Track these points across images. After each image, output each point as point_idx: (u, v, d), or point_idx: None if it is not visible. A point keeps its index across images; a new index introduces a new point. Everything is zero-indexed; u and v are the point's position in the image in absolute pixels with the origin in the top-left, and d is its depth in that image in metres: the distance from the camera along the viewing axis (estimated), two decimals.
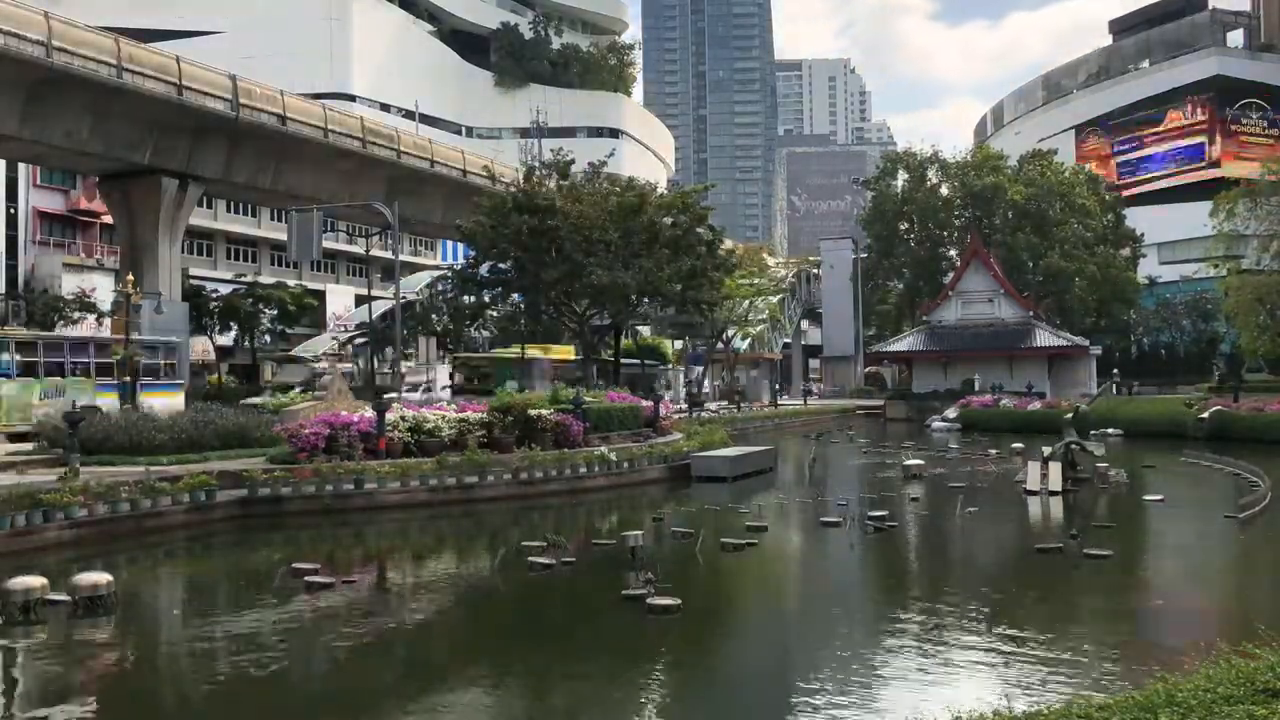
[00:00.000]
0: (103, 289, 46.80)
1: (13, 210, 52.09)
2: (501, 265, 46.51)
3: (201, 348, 53.95)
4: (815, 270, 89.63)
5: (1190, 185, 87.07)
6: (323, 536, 17.69)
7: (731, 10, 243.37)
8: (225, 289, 55.77)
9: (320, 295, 65.75)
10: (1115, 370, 44.20)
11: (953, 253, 72.59)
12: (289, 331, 58.54)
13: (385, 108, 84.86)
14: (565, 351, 52.77)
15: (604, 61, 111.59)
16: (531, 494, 21.35)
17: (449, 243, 75.34)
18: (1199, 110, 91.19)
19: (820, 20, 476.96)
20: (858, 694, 8.67)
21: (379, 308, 59.49)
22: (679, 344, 72.04)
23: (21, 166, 50.71)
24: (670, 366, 69.96)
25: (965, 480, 24.03)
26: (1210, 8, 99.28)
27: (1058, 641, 10.09)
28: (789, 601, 13.27)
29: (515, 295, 51.86)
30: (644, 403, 30.05)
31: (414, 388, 48.27)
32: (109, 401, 27.79)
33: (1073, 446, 22.46)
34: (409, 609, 12.93)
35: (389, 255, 55.39)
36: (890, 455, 32.61)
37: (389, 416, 21.78)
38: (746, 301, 63.76)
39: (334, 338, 63.05)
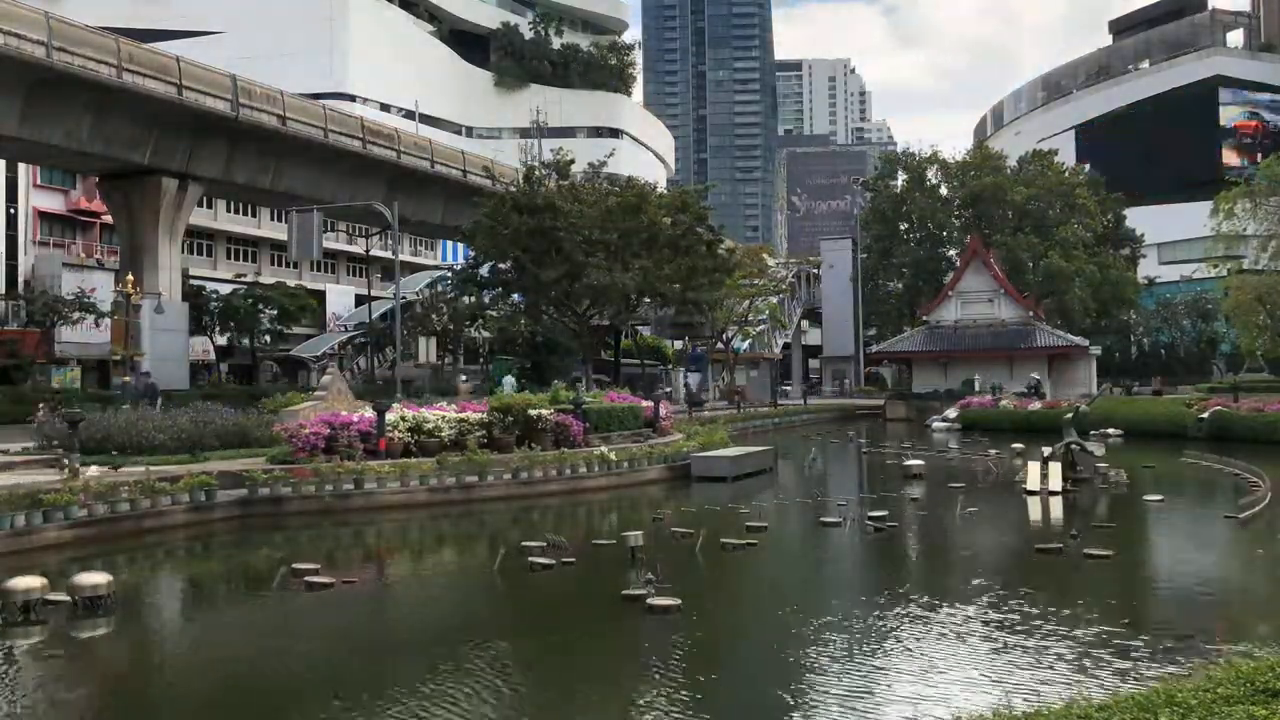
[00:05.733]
0: (103, 289, 46.71)
1: (13, 210, 52.03)
2: (501, 265, 46.55)
3: (201, 348, 53.96)
4: (815, 270, 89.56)
5: (1190, 185, 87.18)
6: (323, 536, 17.67)
7: (731, 10, 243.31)
8: (225, 289, 55.75)
9: (320, 295, 65.74)
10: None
11: (953, 253, 72.52)
12: (289, 331, 58.53)
13: (385, 108, 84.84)
14: None
15: (604, 61, 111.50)
16: (531, 494, 21.35)
17: (449, 243, 75.31)
18: None
19: None
20: (858, 694, 8.67)
21: (379, 308, 59.52)
22: (679, 344, 72.00)
23: (21, 166, 50.66)
24: (670, 367, 69.94)
25: (965, 480, 24.03)
26: (1210, 8, 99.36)
27: (1058, 642, 10.09)
28: (789, 602, 13.25)
29: (515, 295, 51.92)
30: (644, 403, 30.06)
31: None
32: None
33: (1073, 446, 22.46)
34: (409, 609, 12.93)
35: (389, 255, 55.42)
36: (890, 455, 32.60)
37: (389, 416, 21.79)
38: (746, 302, 63.72)
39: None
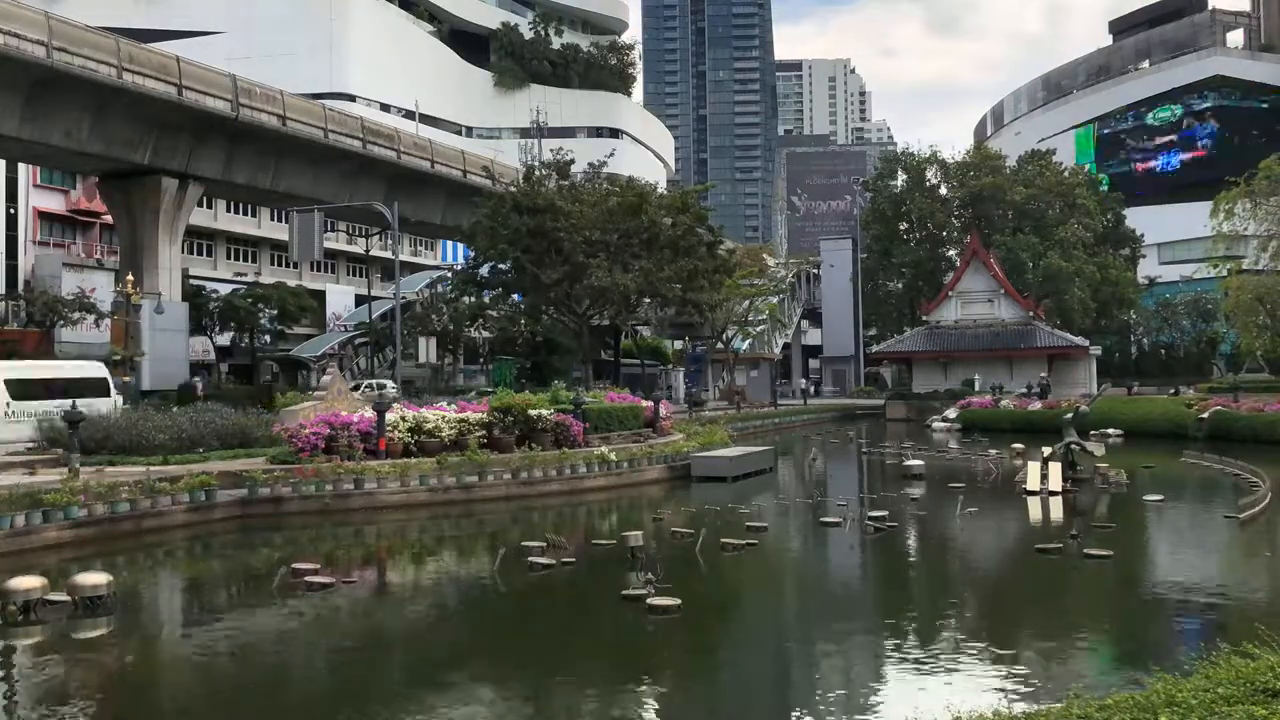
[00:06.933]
0: (103, 289, 46.76)
1: (13, 210, 52.01)
2: (501, 266, 46.54)
3: (201, 348, 53.95)
4: (815, 270, 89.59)
5: (1190, 185, 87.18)
6: (323, 536, 17.67)
7: (731, 10, 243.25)
8: (225, 289, 55.71)
9: (320, 295, 65.70)
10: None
11: (953, 253, 72.49)
12: (289, 331, 58.49)
13: (385, 108, 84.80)
14: None
15: (604, 61, 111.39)
16: (531, 494, 21.35)
17: (449, 243, 75.27)
18: None
19: None
20: (858, 694, 8.67)
21: (379, 308, 59.51)
22: (679, 344, 71.99)
23: (21, 166, 50.64)
24: (670, 367, 69.93)
25: (965, 480, 24.03)
26: (1210, 8, 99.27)
27: (1058, 641, 10.09)
28: (789, 602, 13.27)
29: (515, 295, 51.92)
30: (644, 403, 30.06)
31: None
32: None
33: (1073, 447, 22.46)
34: (409, 609, 12.93)
35: (389, 255, 55.40)
36: (890, 455, 32.60)
37: (389, 416, 21.79)
38: (746, 302, 63.71)
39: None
